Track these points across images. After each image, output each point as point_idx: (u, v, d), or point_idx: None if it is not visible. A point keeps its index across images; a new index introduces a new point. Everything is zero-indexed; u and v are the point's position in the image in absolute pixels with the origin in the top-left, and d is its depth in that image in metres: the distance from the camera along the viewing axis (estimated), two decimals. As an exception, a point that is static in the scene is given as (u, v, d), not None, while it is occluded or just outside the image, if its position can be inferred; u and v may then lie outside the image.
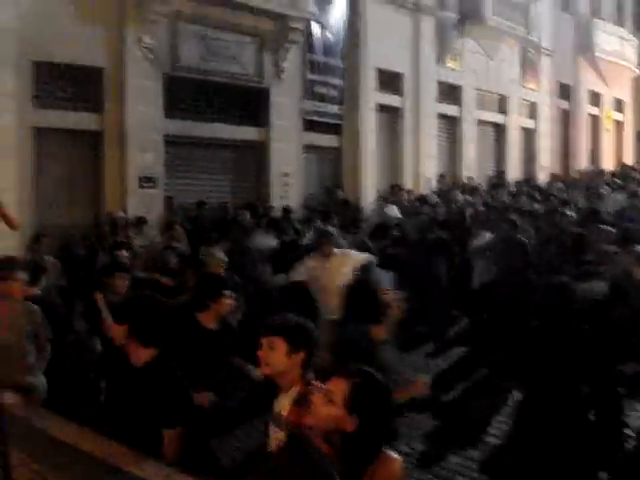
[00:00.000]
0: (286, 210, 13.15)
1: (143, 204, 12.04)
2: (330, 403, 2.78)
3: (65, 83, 11.68)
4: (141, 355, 3.74)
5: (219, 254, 7.59)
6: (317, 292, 7.66)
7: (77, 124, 11.74)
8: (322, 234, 8.24)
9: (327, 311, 7.17)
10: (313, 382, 3.27)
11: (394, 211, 13.70)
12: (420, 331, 10.00)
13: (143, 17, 12.12)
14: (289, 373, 3.42)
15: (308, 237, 10.99)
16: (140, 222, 11.19)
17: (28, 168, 10.98)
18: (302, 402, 3.23)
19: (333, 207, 14.01)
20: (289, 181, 14.87)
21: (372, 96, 16.81)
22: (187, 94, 13.26)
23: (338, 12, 15.82)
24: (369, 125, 16.68)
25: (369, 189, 16.64)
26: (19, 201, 10.24)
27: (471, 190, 16.98)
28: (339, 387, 2.81)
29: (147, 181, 12.32)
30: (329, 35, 15.66)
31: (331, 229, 8.43)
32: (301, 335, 3.47)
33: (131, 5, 12.06)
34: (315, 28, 15.24)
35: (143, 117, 12.18)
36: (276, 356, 3.41)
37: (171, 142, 12.85)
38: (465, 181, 18.90)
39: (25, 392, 4.94)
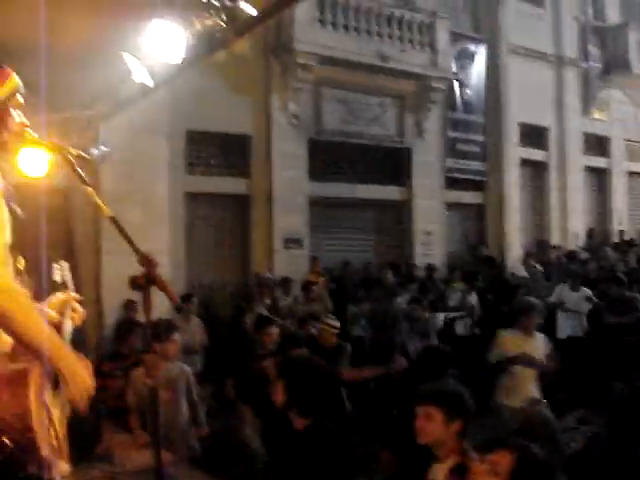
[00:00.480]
0: (429, 269, 13.05)
1: (289, 264, 12.34)
2: (494, 474, 2.75)
3: (215, 150, 12.34)
4: (300, 421, 3.74)
5: (333, 322, 7.47)
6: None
7: (226, 189, 12.33)
8: (526, 307, 6.85)
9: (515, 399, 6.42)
10: (471, 452, 3.21)
11: (521, 272, 13.35)
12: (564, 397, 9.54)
13: (288, 85, 12.63)
14: (446, 442, 3.36)
15: (453, 298, 10.87)
16: (286, 282, 11.42)
17: (181, 231, 11.53)
18: (459, 472, 3.17)
19: (477, 265, 13.78)
20: (431, 239, 14.80)
21: (515, 151, 16.56)
22: (330, 156, 13.59)
23: (478, 68, 15.80)
24: (513, 180, 16.39)
25: (514, 246, 16.27)
26: (172, 263, 10.71)
27: (624, 245, 16.22)
28: (504, 459, 2.77)
29: (292, 242, 12.63)
30: (470, 92, 15.64)
31: (536, 302, 7.13)
32: (458, 404, 3.41)
33: (276, 74, 12.61)
34: (456, 86, 15.27)
35: (288, 180, 12.59)
36: (433, 425, 3.36)
37: (315, 203, 13.16)
38: (616, 236, 18.11)
39: (179, 450, 5.11)
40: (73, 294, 2.87)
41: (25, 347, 2.26)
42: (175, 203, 11.37)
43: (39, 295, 2.57)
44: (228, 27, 4.37)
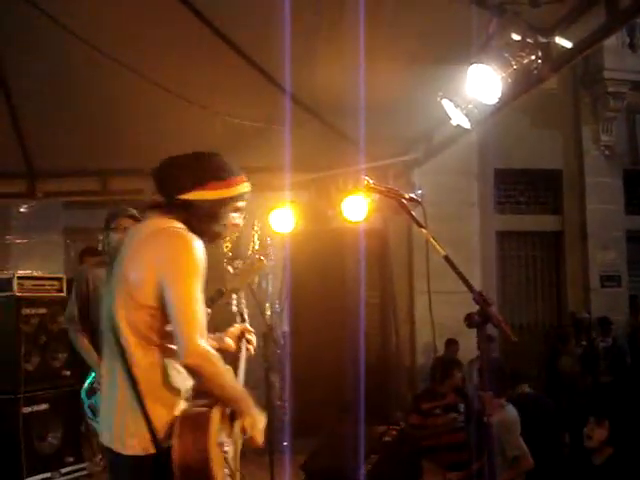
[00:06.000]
0: None
1: (606, 303, 11.71)
2: None
3: (524, 187, 12.21)
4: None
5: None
6: None
7: (537, 226, 12.11)
8: None
9: None
10: None
11: None
12: None
13: (599, 115, 12.13)
14: None
15: None
16: (604, 323, 10.83)
17: (492, 270, 11.48)
18: None
19: None
20: None
21: None
22: (647, 187, 12.78)
23: None
24: None
25: None
26: (484, 302, 10.70)
27: None
28: None
29: (609, 280, 11.98)
30: None
31: None
32: None
33: (586, 105, 12.18)
34: None
35: (603, 215, 12.00)
36: None
37: (633, 238, 12.39)
38: None
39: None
40: (247, 325, 3.09)
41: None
42: (486, 242, 11.39)
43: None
44: (544, 63, 4.35)
